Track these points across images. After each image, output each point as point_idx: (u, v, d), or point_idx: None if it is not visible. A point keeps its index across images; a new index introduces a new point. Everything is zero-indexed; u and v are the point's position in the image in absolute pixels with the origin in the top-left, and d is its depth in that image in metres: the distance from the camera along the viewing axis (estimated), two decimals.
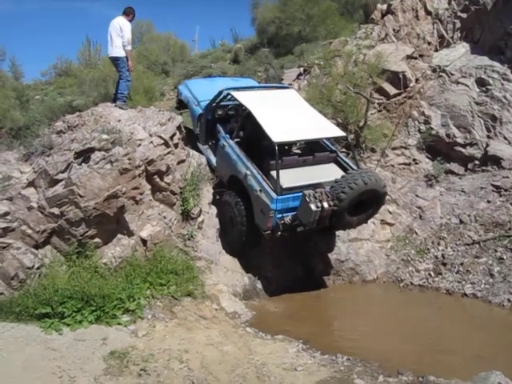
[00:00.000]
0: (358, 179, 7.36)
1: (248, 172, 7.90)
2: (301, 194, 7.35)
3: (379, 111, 12.28)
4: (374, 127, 11.45)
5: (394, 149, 11.91)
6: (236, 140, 8.57)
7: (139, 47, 19.32)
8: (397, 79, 12.37)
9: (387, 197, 10.52)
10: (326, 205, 7.22)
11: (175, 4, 61.15)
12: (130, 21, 8.96)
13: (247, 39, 21.18)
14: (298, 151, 8.90)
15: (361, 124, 11.27)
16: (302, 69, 13.62)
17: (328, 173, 8.07)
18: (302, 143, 8.92)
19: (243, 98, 8.57)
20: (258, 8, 19.85)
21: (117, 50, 8.82)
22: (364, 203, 7.71)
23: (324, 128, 8.37)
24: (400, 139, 12.12)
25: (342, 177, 7.61)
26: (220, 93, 9.06)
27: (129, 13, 8.94)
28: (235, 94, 8.82)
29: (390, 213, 10.48)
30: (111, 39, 8.83)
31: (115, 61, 8.95)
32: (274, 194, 7.44)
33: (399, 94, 12.41)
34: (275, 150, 7.42)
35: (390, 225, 10.33)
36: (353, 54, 12.13)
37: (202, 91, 9.99)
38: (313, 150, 8.63)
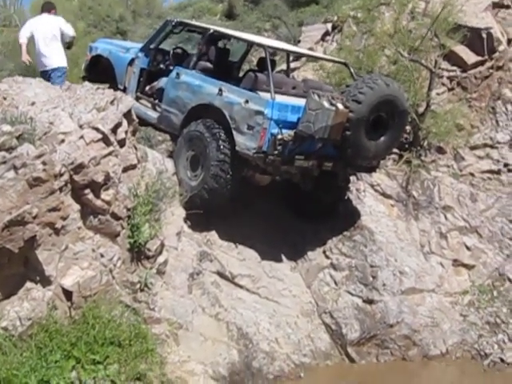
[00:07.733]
0: (378, 80, 8.60)
1: (223, 87, 8.92)
2: (302, 104, 8.26)
3: (450, 90, 12.39)
4: (442, 114, 11.47)
5: (473, 148, 11.97)
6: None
7: None
8: (478, 40, 12.47)
9: (464, 223, 10.57)
10: (340, 106, 8.03)
11: None
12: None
13: None
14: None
15: (421, 109, 11.31)
16: (329, 25, 13.91)
17: None
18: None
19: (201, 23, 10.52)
20: None
21: (57, 58, 10.33)
22: (380, 125, 8.72)
23: None
24: (484, 133, 12.19)
25: (358, 79, 9.10)
26: (167, 23, 10.50)
27: (52, 8, 10.57)
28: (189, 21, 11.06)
29: (467, 248, 10.51)
30: (46, 47, 10.21)
31: (53, 72, 10.23)
32: (268, 98, 8.38)
33: (482, 63, 12.50)
34: (266, 57, 8.88)
35: (469, 267, 10.34)
36: (409, 1, 12.12)
37: (128, 44, 11.66)
38: None
